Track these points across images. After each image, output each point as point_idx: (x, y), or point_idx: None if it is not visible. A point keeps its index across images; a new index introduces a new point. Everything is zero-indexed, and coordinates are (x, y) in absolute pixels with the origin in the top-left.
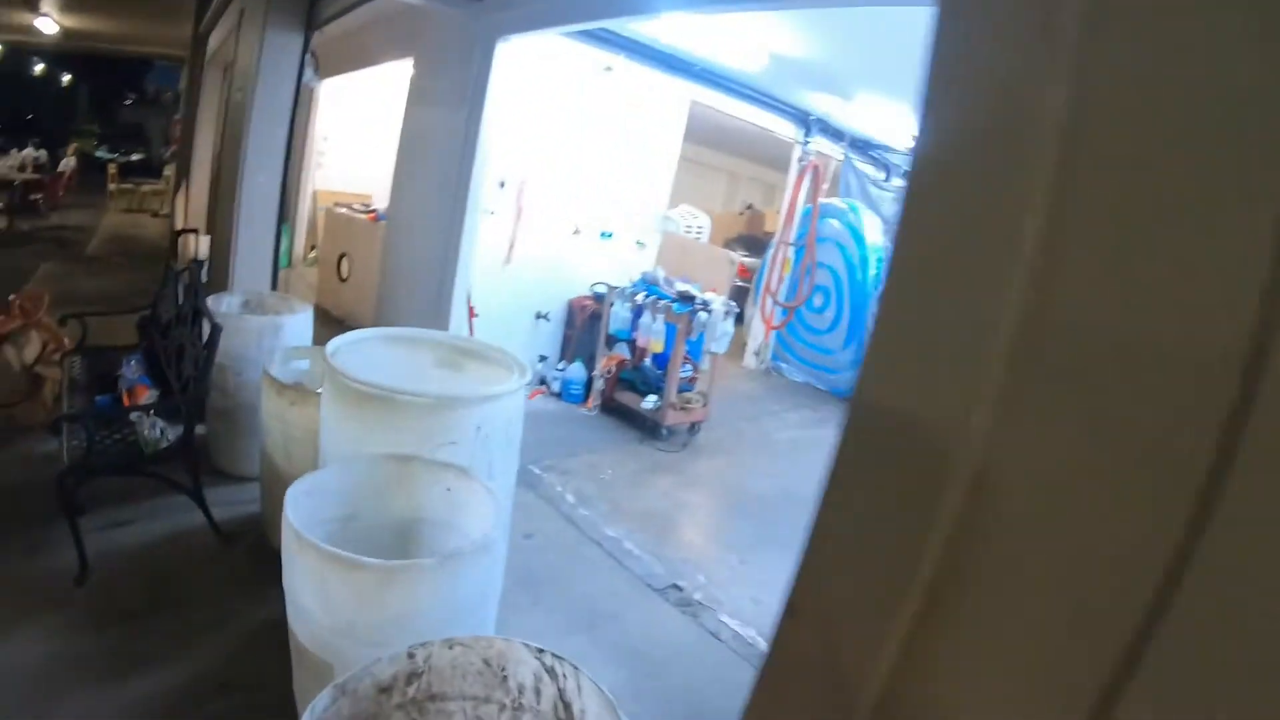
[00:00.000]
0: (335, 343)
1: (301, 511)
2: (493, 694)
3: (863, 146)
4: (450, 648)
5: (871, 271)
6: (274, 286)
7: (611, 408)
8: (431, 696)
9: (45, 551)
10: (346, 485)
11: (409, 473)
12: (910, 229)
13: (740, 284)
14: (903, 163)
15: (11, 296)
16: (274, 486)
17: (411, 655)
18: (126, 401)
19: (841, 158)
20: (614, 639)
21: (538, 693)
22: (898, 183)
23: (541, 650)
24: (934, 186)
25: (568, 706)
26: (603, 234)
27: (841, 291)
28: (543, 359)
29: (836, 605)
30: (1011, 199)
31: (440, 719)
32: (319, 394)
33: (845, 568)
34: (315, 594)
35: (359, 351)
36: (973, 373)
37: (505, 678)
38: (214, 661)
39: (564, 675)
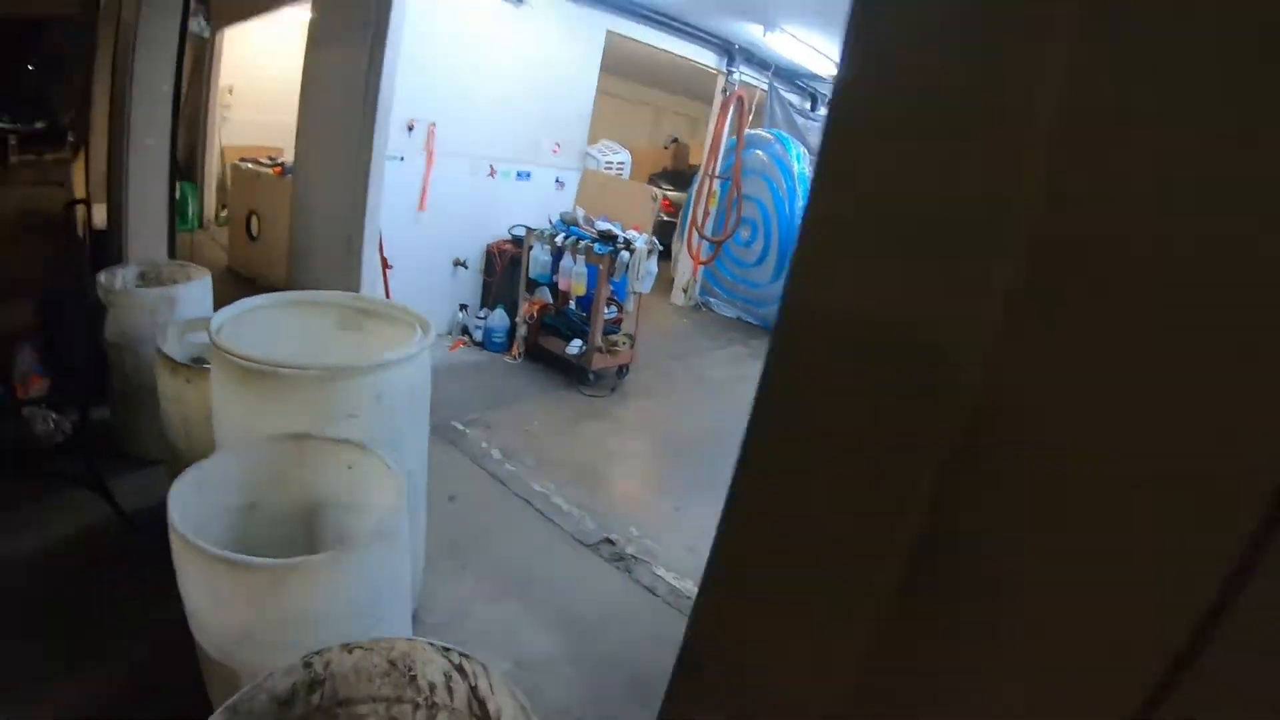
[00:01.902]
0: (222, 315)
1: (192, 507)
2: (404, 694)
3: (788, 75)
4: (350, 651)
5: (799, 203)
6: (172, 254)
7: (536, 354)
8: (340, 702)
9: None
10: (241, 472)
11: (307, 453)
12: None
13: (666, 219)
14: (828, 90)
15: None
16: (179, 472)
17: (308, 664)
18: (20, 393)
19: (766, 88)
20: (547, 601)
21: (450, 691)
22: (824, 111)
23: (448, 648)
24: None
25: (482, 704)
26: (519, 174)
27: (769, 223)
28: (463, 308)
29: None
30: None
31: None
32: None
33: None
34: (207, 600)
35: (251, 322)
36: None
37: (414, 677)
38: (129, 669)
39: (474, 674)
